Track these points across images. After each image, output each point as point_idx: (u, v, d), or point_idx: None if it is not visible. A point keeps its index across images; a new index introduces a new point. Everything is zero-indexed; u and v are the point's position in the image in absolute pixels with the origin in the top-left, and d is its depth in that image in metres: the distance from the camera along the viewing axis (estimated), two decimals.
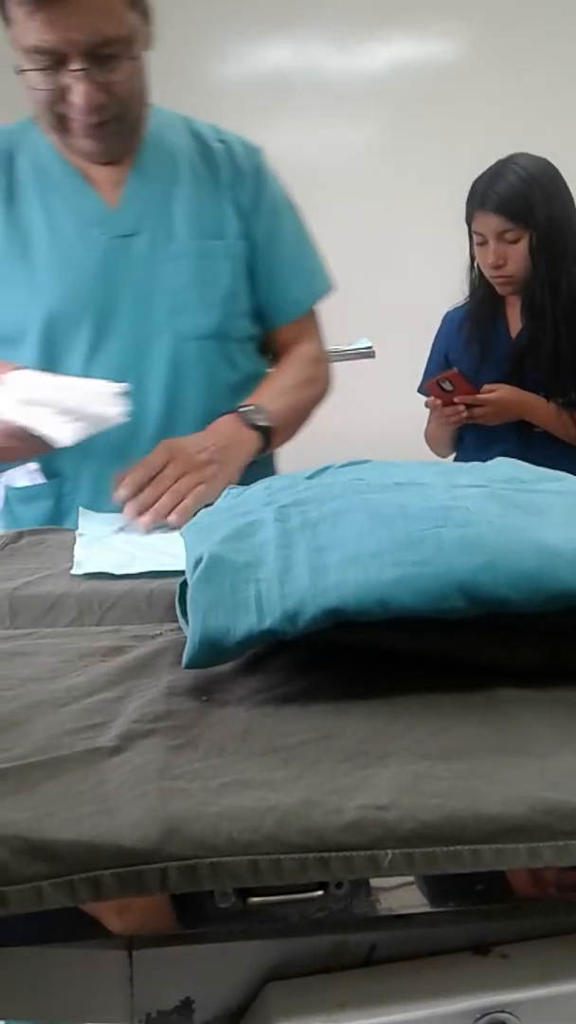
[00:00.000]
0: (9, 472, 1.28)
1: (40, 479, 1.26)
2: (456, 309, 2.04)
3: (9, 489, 1.29)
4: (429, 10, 3.14)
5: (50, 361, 1.22)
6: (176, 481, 1.11)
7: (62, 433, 1.04)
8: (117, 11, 1.07)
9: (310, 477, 0.81)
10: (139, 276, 1.23)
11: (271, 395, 1.28)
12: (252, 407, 1.23)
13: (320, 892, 0.48)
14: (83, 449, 1.20)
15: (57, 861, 0.45)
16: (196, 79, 2.97)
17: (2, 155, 1.25)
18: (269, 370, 1.40)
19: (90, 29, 1.05)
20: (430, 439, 2.15)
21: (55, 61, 1.07)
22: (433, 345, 2.09)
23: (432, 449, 2.17)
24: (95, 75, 1.08)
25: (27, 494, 1.28)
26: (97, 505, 1.24)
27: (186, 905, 0.53)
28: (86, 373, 1.21)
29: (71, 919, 0.50)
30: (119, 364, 1.20)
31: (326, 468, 0.85)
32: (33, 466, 1.26)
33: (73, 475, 1.25)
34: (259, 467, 1.27)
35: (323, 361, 1.41)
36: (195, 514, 0.85)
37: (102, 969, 0.51)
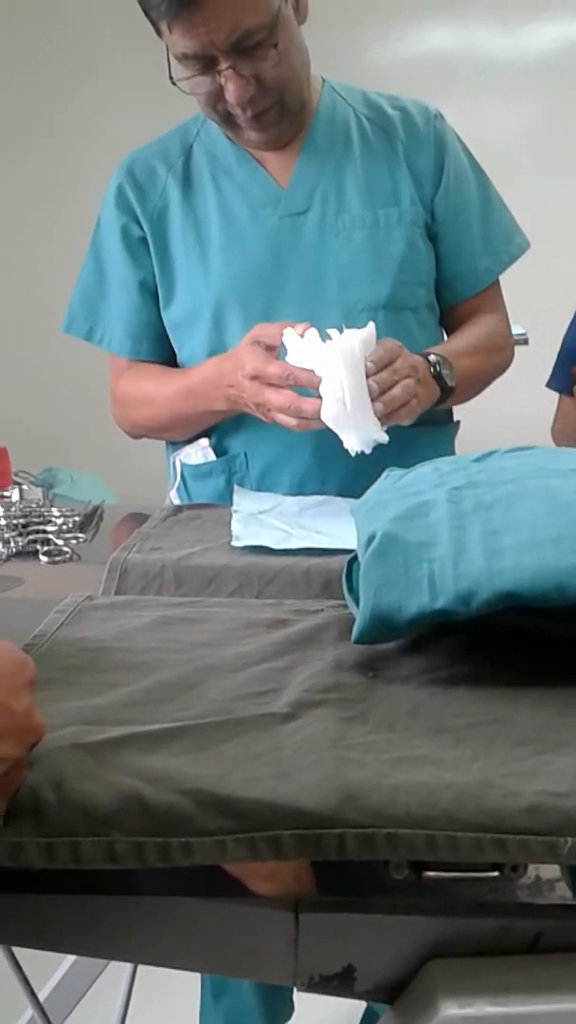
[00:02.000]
0: (185, 449, 1.31)
1: (212, 456, 1.28)
2: None
3: (184, 466, 1.32)
4: None
5: (219, 341, 1.24)
6: (405, 377, 1.07)
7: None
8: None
9: (477, 460, 0.80)
10: (309, 252, 1.22)
11: (457, 352, 1.23)
12: (441, 358, 1.17)
13: (496, 873, 0.48)
14: (254, 428, 1.22)
15: (240, 818, 0.46)
16: (358, 63, 2.96)
17: (181, 147, 1.28)
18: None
19: (229, 26, 1.04)
20: (559, 435, 2.07)
21: (205, 64, 1.08)
22: (565, 338, 2.01)
23: (559, 445, 2.09)
24: (243, 69, 1.08)
25: (201, 471, 1.30)
26: (266, 483, 1.25)
27: (346, 874, 0.54)
28: None
29: (213, 876, 0.52)
30: None
31: (493, 452, 0.84)
32: (205, 443, 1.28)
33: (244, 453, 1.26)
34: (437, 440, 1.26)
35: (508, 333, 1.36)
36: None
37: (269, 929, 0.53)
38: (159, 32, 1.09)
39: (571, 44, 3.09)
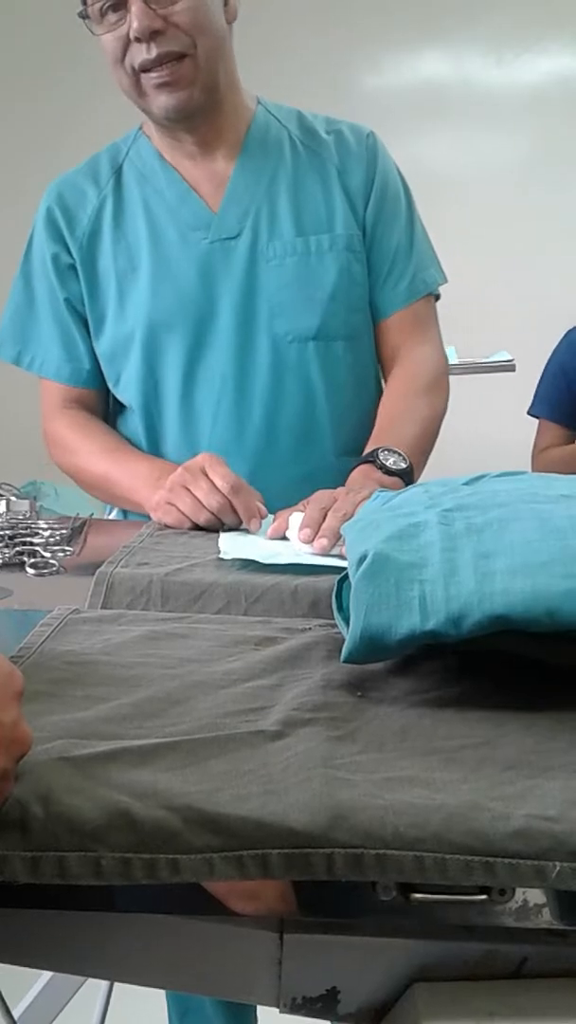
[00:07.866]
0: None
1: None
2: None
3: None
4: None
5: (151, 370, 1.23)
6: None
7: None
8: None
9: (467, 483, 0.81)
10: (240, 279, 1.21)
11: (399, 428, 1.21)
12: (385, 450, 1.15)
13: (483, 896, 0.48)
14: (190, 451, 1.22)
15: (228, 835, 0.46)
16: (350, 90, 2.99)
17: (111, 168, 1.26)
18: (380, 375, 1.34)
19: None
20: (543, 460, 2.07)
21: (118, 9, 1.07)
22: (549, 364, 2.02)
23: (543, 470, 2.11)
24: (151, 2, 1.06)
25: None
26: None
27: (331, 894, 0.53)
28: (187, 380, 1.21)
29: (192, 894, 0.51)
30: (220, 369, 1.20)
31: (482, 476, 0.84)
32: None
33: None
34: None
35: (443, 365, 1.31)
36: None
37: (253, 949, 0.52)
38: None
39: (564, 77, 3.14)
